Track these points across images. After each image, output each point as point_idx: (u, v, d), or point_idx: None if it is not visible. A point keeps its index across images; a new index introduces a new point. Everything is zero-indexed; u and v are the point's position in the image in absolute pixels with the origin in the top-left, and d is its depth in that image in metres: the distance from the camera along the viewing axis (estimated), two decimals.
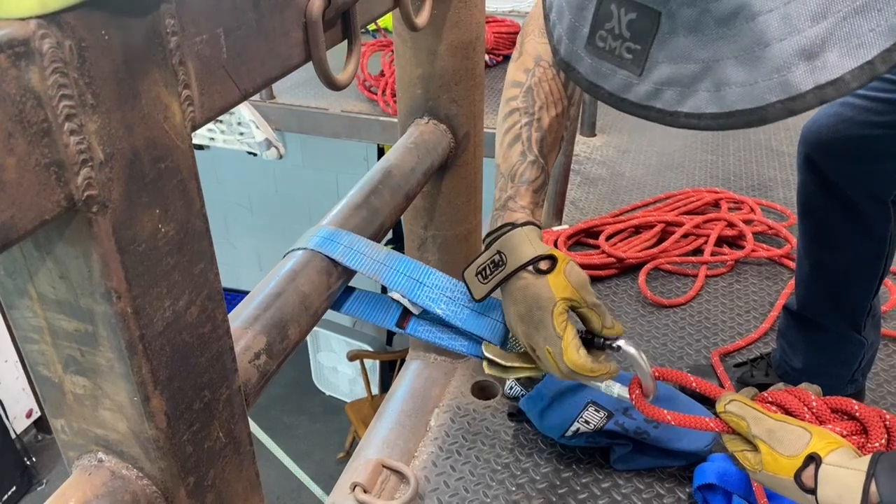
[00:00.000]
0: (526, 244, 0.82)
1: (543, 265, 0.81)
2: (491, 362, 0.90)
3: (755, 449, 0.76)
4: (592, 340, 0.85)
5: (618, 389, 0.88)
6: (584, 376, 0.82)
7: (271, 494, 4.09)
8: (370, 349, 4.46)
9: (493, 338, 0.90)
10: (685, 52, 0.45)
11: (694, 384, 0.86)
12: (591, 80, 0.51)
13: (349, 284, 0.93)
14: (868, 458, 0.70)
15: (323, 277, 0.83)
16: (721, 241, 1.87)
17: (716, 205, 2.01)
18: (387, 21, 3.68)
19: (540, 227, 0.87)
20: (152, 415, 0.53)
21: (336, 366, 4.96)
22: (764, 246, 1.85)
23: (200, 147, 4.83)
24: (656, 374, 0.87)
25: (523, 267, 0.81)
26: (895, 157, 1.09)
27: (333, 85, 0.70)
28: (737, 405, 0.78)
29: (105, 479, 0.56)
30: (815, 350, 1.28)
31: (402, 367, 1.51)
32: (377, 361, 4.42)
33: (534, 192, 0.87)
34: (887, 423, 0.75)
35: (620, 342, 0.84)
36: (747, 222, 1.91)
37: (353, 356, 4.13)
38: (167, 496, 0.58)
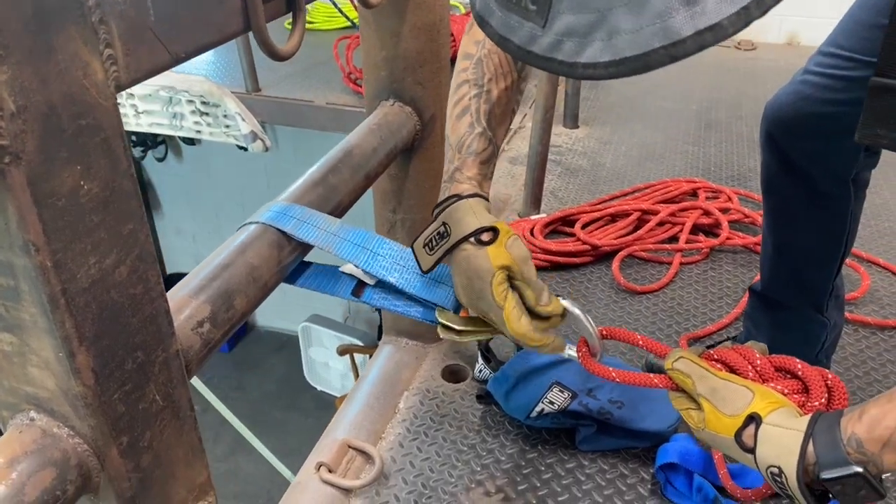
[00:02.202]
0: (470, 215, 0.82)
1: (485, 237, 0.81)
2: (445, 327, 0.91)
3: (700, 407, 0.76)
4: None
5: (568, 353, 0.89)
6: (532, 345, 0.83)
7: (261, 490, 4.10)
8: (360, 344, 4.46)
9: (447, 304, 0.91)
10: (583, 2, 0.46)
11: (640, 342, 0.87)
12: (501, 33, 0.52)
13: (307, 260, 0.94)
14: (807, 418, 0.70)
15: (273, 251, 0.83)
16: (697, 229, 1.88)
17: (694, 194, 2.02)
18: None
19: (486, 199, 0.88)
20: (79, 371, 0.54)
21: (328, 361, 4.96)
22: (739, 234, 1.86)
23: (192, 142, 4.86)
24: (604, 332, 0.88)
25: (466, 238, 0.81)
26: (853, 135, 1.10)
27: (276, 55, 0.71)
28: (684, 363, 0.78)
29: (35, 437, 0.56)
30: (779, 330, 1.29)
31: (376, 351, 1.52)
32: (367, 356, 4.42)
33: (481, 163, 0.88)
34: (829, 382, 0.76)
35: (565, 303, 0.85)
36: (724, 211, 1.92)
37: (342, 351, 4.14)
38: (99, 455, 0.58)
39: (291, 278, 0.90)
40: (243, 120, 2.91)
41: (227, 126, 2.99)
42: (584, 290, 1.70)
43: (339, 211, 0.98)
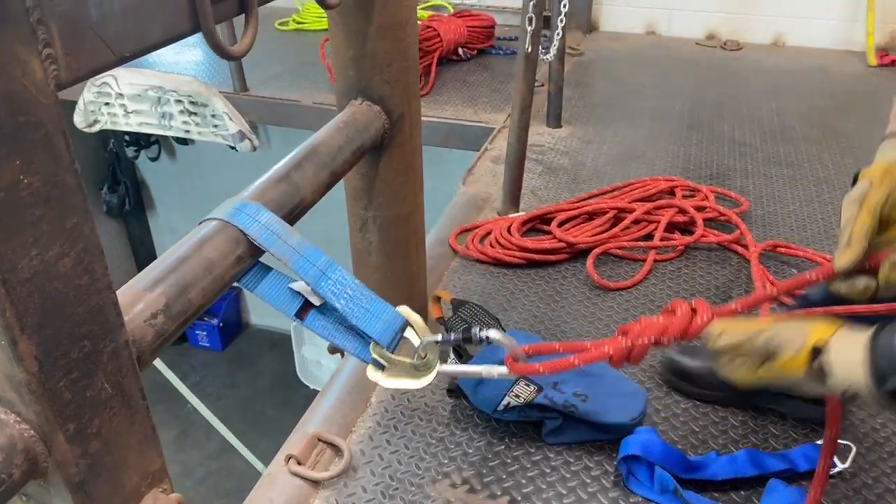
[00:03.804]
0: None
1: None
2: (375, 363, 0.92)
3: (763, 362, 0.79)
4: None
5: (497, 371, 0.94)
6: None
7: (246, 490, 4.12)
8: None
9: (383, 340, 0.92)
10: None
11: (559, 348, 0.92)
12: None
13: (266, 265, 0.95)
14: (869, 331, 0.73)
15: (231, 246, 0.85)
16: (673, 227, 1.90)
17: (671, 192, 2.04)
18: None
19: None
20: (21, 359, 0.56)
21: (320, 359, 4.99)
22: (714, 232, 1.88)
23: (185, 141, 4.88)
24: (530, 350, 0.92)
25: None
26: None
27: (226, 55, 0.73)
28: (726, 337, 0.82)
29: None
30: None
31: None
32: None
33: None
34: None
35: (489, 333, 0.89)
36: (699, 209, 1.94)
37: (332, 349, 4.15)
38: (45, 440, 0.60)
39: (249, 283, 0.91)
40: (231, 120, 2.93)
41: (216, 126, 3.01)
42: (559, 286, 1.72)
43: (301, 208, 1.00)
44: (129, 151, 5.07)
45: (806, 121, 2.63)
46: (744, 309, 0.92)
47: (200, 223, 0.90)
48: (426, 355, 0.95)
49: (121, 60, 0.61)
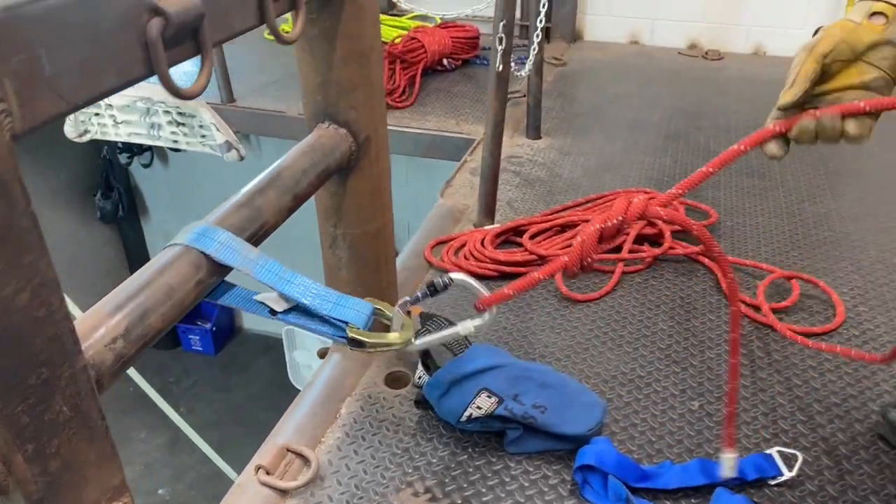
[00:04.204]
0: None
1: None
2: (353, 341, 0.98)
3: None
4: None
5: (463, 328, 1.04)
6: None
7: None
8: None
9: (358, 322, 0.98)
10: None
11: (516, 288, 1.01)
12: None
13: (231, 283, 1.01)
14: None
15: (192, 270, 0.90)
16: (642, 238, 1.95)
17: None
18: None
19: None
20: None
21: (311, 363, 5.03)
22: (683, 244, 1.93)
23: (177, 149, 4.93)
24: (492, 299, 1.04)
25: None
26: None
27: (180, 96, 0.78)
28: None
29: None
30: None
31: (325, 358, 1.59)
32: None
33: None
34: None
35: (452, 275, 0.96)
36: (668, 221, 1.99)
37: (322, 353, 4.20)
38: (5, 461, 0.65)
39: (213, 296, 0.97)
40: (218, 130, 2.98)
41: (203, 136, 3.06)
42: (530, 298, 1.77)
43: (263, 231, 1.05)
44: (122, 158, 5.12)
45: None
46: (684, 189, 1.03)
47: (164, 248, 0.95)
48: (402, 327, 1.04)
49: (75, 108, 0.66)
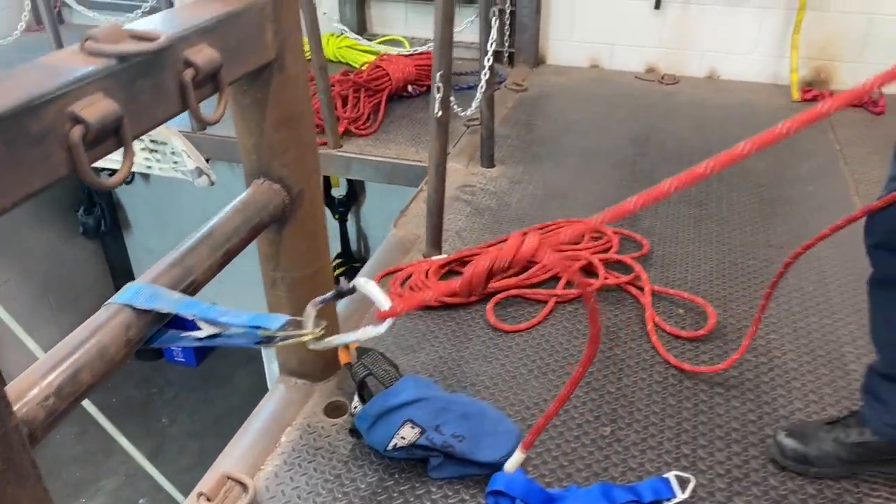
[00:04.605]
0: None
1: None
2: (265, 339, 1.10)
3: None
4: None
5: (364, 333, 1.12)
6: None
7: None
8: None
9: (271, 325, 1.10)
10: None
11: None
12: None
13: (164, 328, 1.13)
14: None
15: (122, 330, 1.02)
16: (580, 268, 2.08)
17: (581, 234, 2.23)
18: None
19: None
20: None
21: None
22: (615, 274, 2.06)
23: (146, 175, 5.05)
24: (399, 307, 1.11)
25: None
26: None
27: (100, 188, 0.90)
28: None
29: None
30: None
31: (271, 390, 1.72)
32: None
33: None
34: None
35: (356, 282, 1.07)
36: (604, 250, 2.13)
37: None
38: None
39: (150, 343, 1.09)
40: (189, 157, 3.10)
41: (175, 162, 3.18)
42: (467, 328, 1.90)
43: (193, 287, 1.17)
44: (104, 175, 5.22)
45: None
46: (569, 239, 1.09)
47: (102, 307, 1.07)
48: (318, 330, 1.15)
49: (3, 211, 0.78)
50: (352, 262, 4.67)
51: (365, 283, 1.11)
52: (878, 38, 3.30)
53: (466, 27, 3.56)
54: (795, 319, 1.92)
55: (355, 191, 4.51)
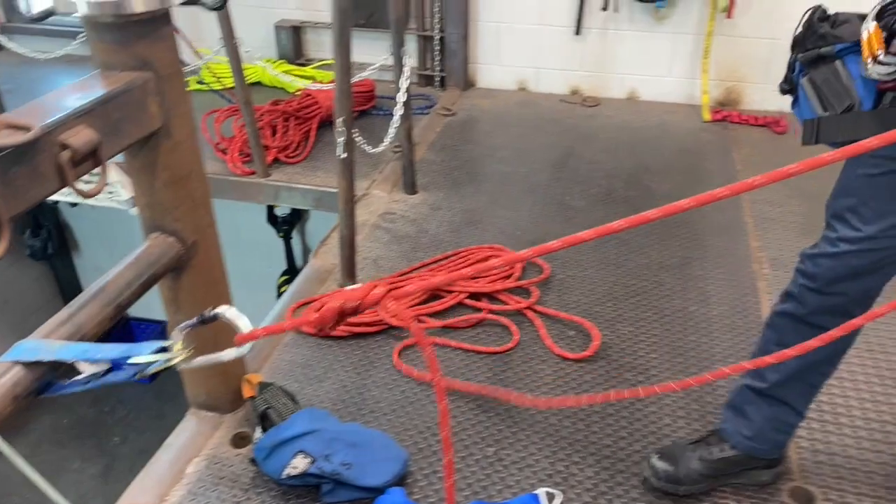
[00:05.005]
0: None
1: None
2: (133, 365, 1.21)
3: None
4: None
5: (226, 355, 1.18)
6: None
7: None
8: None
9: (141, 352, 1.20)
10: None
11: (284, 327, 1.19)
12: None
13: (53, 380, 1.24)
14: None
15: (10, 386, 1.14)
16: (481, 295, 2.23)
17: (487, 261, 2.37)
18: (258, 76, 3.97)
19: None
20: None
21: None
22: (516, 298, 2.22)
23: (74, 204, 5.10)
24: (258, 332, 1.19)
25: None
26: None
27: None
28: None
29: None
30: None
31: (182, 422, 1.83)
32: None
33: None
34: None
35: (218, 310, 1.15)
36: (507, 277, 2.28)
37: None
38: None
39: (40, 393, 1.20)
40: (124, 188, 3.18)
41: (111, 192, 3.26)
42: (373, 356, 2.03)
43: (84, 341, 1.29)
44: (49, 199, 5.24)
45: (631, 182, 3.00)
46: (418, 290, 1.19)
47: None
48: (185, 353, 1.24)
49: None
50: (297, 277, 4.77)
51: (226, 309, 1.19)
52: (782, 60, 3.50)
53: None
54: (675, 339, 2.09)
55: (298, 209, 4.61)
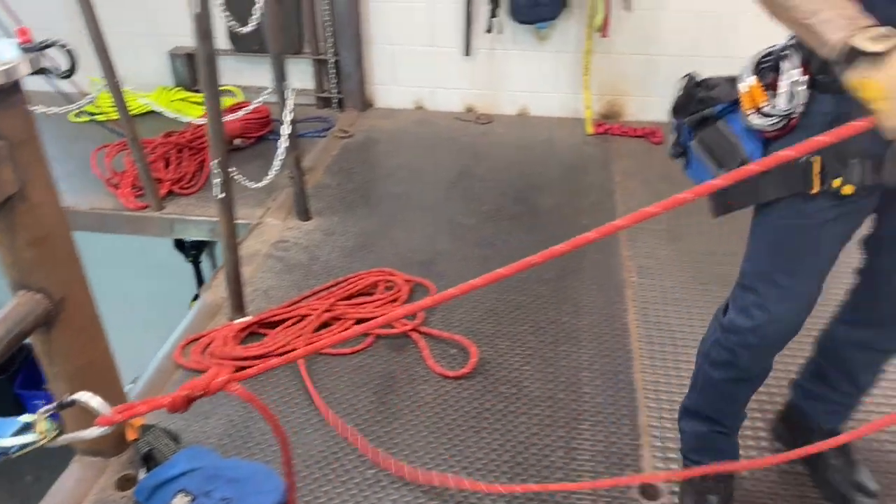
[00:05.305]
0: None
1: None
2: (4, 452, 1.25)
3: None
4: None
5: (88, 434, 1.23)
6: None
7: None
8: None
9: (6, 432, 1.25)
10: None
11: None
12: None
13: None
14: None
15: None
16: (369, 320, 2.34)
17: (375, 286, 2.48)
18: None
19: None
20: None
21: None
22: (403, 321, 2.33)
23: None
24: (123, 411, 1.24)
25: None
26: None
27: None
28: None
29: None
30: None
31: (67, 469, 1.86)
32: None
33: None
34: None
35: (75, 396, 1.20)
36: (393, 301, 2.40)
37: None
38: None
39: None
40: None
41: None
42: (262, 389, 2.10)
43: None
44: None
45: (519, 198, 3.16)
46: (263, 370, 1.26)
47: None
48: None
49: None
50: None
51: (82, 395, 1.25)
52: (656, 74, 3.77)
53: (296, 76, 3.74)
54: (547, 350, 2.25)
55: None
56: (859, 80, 0.94)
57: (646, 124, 3.79)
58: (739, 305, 1.44)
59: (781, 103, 1.25)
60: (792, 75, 1.24)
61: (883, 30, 0.94)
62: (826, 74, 1.18)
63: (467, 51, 3.84)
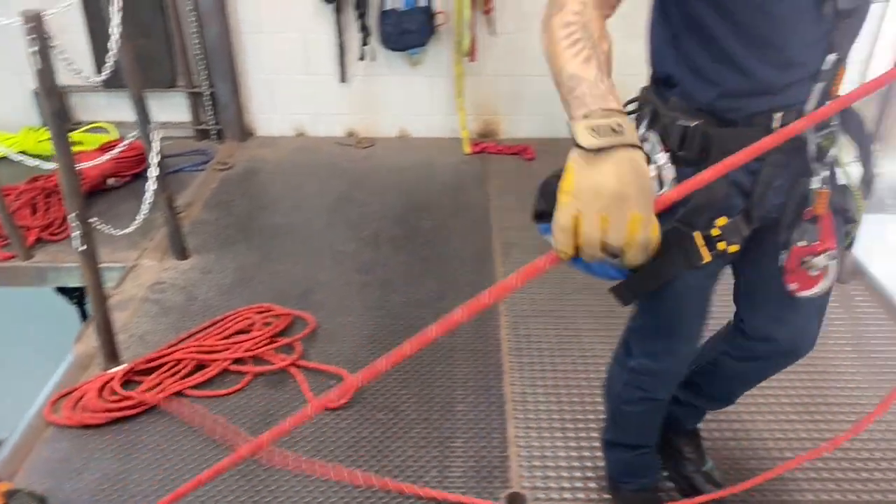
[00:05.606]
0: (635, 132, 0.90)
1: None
2: None
3: None
4: None
5: None
6: None
7: None
8: None
9: None
10: None
11: None
12: None
13: None
14: None
15: None
16: (246, 359, 2.36)
17: (253, 323, 2.51)
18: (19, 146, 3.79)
19: None
20: None
21: None
22: (281, 356, 2.37)
23: None
24: None
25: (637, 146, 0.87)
26: None
27: None
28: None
29: None
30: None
31: None
32: None
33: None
34: None
35: None
36: (276, 335, 2.43)
37: None
38: None
39: None
40: None
41: None
42: (138, 437, 2.09)
43: None
44: None
45: (399, 221, 3.25)
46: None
47: None
48: None
49: None
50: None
51: None
52: (524, 93, 3.97)
53: (172, 109, 3.70)
54: (424, 372, 2.35)
55: None
56: (568, 163, 0.88)
57: (519, 141, 3.98)
58: (647, 351, 1.54)
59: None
60: (658, 160, 1.25)
61: (613, 120, 0.87)
62: (685, 150, 1.23)
63: (343, 77, 3.91)
